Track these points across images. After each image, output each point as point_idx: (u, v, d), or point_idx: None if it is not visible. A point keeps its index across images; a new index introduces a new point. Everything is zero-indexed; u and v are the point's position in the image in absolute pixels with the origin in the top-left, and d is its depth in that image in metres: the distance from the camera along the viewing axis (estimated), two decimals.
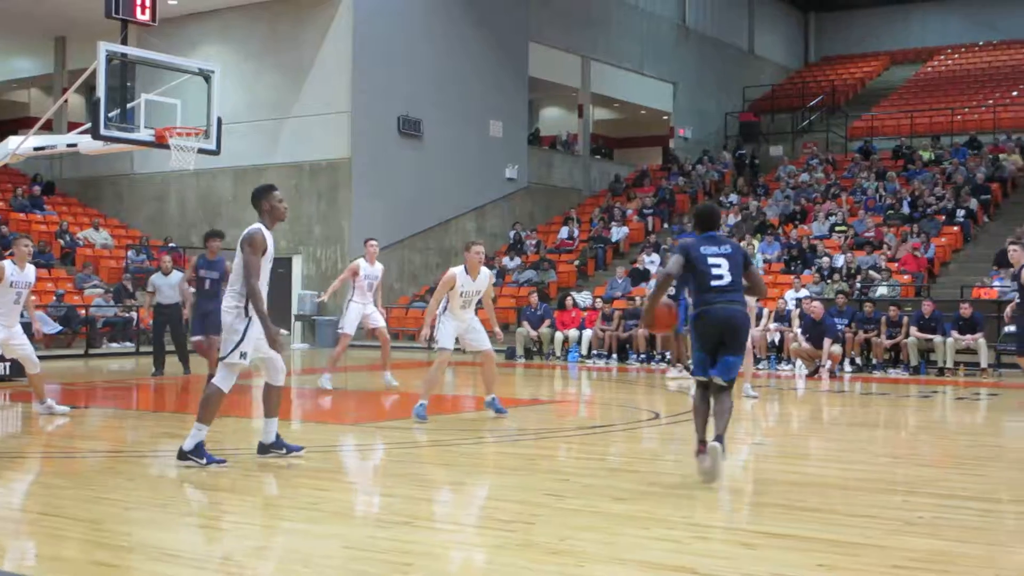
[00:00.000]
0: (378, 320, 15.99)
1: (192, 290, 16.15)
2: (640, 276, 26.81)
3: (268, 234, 9.18)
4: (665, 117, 41.06)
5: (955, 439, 11.83)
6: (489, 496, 8.00)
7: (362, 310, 15.86)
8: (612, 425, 12.34)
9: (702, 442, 8.15)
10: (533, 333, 24.07)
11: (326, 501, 7.50)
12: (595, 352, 23.49)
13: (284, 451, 9.06)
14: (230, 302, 8.76)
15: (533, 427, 12.03)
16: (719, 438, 8.03)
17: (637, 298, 24.16)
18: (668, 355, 21.15)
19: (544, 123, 40.82)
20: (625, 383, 18.60)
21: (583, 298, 25.80)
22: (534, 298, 24.76)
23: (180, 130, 16.77)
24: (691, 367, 8.62)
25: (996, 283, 22.59)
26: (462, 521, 6.90)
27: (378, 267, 15.93)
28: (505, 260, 30.15)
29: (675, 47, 40.27)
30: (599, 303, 24.73)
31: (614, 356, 23.14)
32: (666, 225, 31.87)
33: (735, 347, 8.25)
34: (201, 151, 17.21)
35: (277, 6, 29.22)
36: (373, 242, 16.16)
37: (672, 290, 10.23)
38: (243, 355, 8.65)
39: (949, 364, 19.87)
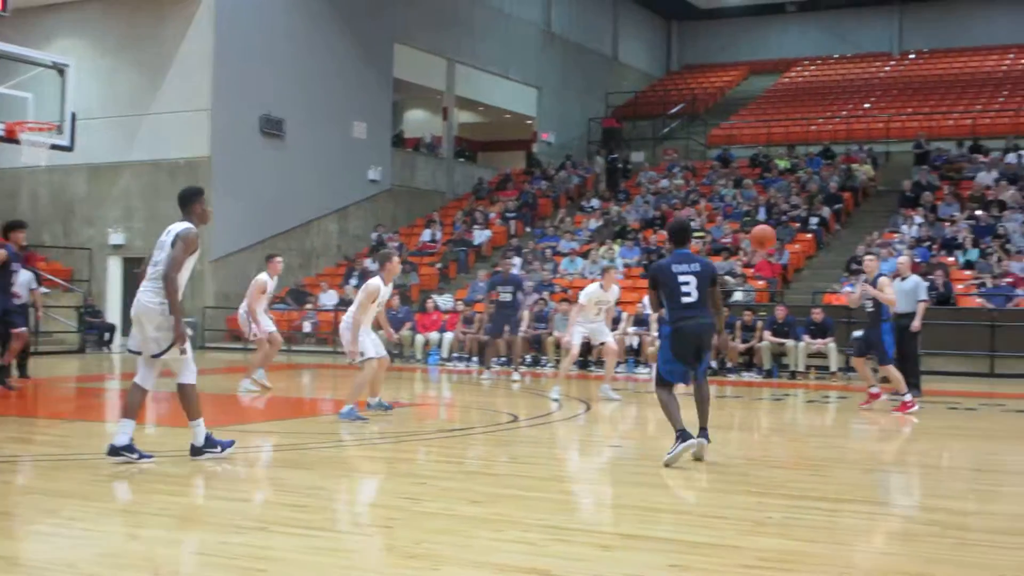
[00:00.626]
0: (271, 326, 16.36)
1: None
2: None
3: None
4: (529, 121, 41.30)
5: (806, 441, 12.12)
6: (346, 500, 7.93)
7: (262, 318, 16.03)
8: (471, 428, 12.35)
9: (681, 430, 9.14)
10: (394, 335, 23.94)
11: (179, 507, 7.36)
12: (456, 355, 23.51)
13: (219, 449, 9.13)
14: (155, 298, 8.77)
15: (392, 430, 11.97)
16: (704, 430, 9.33)
17: (495, 301, 24.21)
18: (527, 359, 21.29)
19: (408, 125, 40.73)
20: (485, 386, 18.65)
21: (444, 301, 25.80)
22: (395, 300, 24.63)
23: (32, 125, 16.34)
24: (660, 372, 9.47)
25: (847, 288, 23.21)
26: (318, 526, 6.83)
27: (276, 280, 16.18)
28: (367, 262, 29.96)
29: (540, 52, 40.54)
30: (460, 306, 24.75)
31: (475, 359, 23.18)
32: (528, 229, 32.07)
33: (706, 355, 9.45)
34: (54, 147, 16.79)
35: (136, 1, 28.60)
36: (279, 258, 16.67)
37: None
38: (183, 351, 8.78)
39: (801, 368, 20.42)
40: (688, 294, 9.10)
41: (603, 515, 7.40)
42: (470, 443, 11.32)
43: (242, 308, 16.15)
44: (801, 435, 12.62)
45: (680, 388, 9.63)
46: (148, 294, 8.79)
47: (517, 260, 27.80)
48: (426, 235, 31.81)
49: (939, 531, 6.89)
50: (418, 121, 41.50)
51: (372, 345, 12.33)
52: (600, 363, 21.23)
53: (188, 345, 8.87)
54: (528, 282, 23.38)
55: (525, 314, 21.28)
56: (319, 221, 31.17)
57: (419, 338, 23.86)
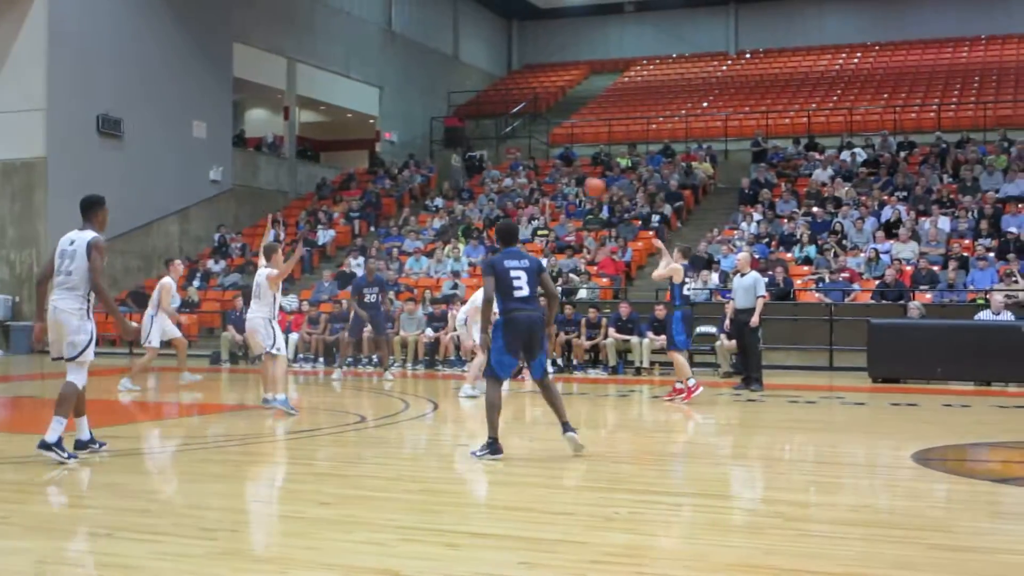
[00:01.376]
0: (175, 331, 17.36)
1: None
2: (347, 279, 26.79)
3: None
4: (371, 120, 41.18)
5: (651, 436, 12.38)
6: (192, 504, 7.85)
7: (163, 323, 16.82)
8: (318, 429, 12.31)
9: (493, 439, 9.48)
10: (238, 337, 23.68)
11: (18, 514, 7.20)
12: (301, 356, 23.35)
13: (98, 446, 9.58)
14: (72, 304, 9.13)
15: (239, 432, 11.87)
16: (567, 425, 9.68)
17: (343, 301, 24.12)
18: (376, 359, 21.25)
19: (250, 125, 40.24)
20: (331, 387, 18.58)
21: (289, 301, 25.56)
22: (239, 302, 24.35)
23: None
24: (492, 368, 9.65)
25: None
26: (164, 530, 6.76)
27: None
28: (210, 263, 29.56)
29: (381, 51, 40.44)
30: (306, 306, 24.58)
31: (321, 360, 23.07)
32: (373, 228, 32.00)
33: (539, 348, 9.61)
34: None
35: None
36: (179, 261, 17.89)
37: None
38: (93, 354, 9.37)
39: (645, 364, 20.82)
40: (520, 288, 9.48)
41: (451, 514, 7.47)
42: (318, 444, 11.29)
43: (149, 312, 16.53)
44: (646, 430, 12.90)
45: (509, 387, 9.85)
46: (66, 301, 9.15)
47: (362, 259, 27.74)
48: (270, 235, 31.39)
49: (781, 523, 7.10)
50: (259, 121, 41.03)
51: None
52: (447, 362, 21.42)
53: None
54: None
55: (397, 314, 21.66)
56: (160, 222, 30.62)
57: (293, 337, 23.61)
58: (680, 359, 15.34)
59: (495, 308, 9.57)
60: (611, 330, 21.05)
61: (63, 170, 27.36)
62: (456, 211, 31.03)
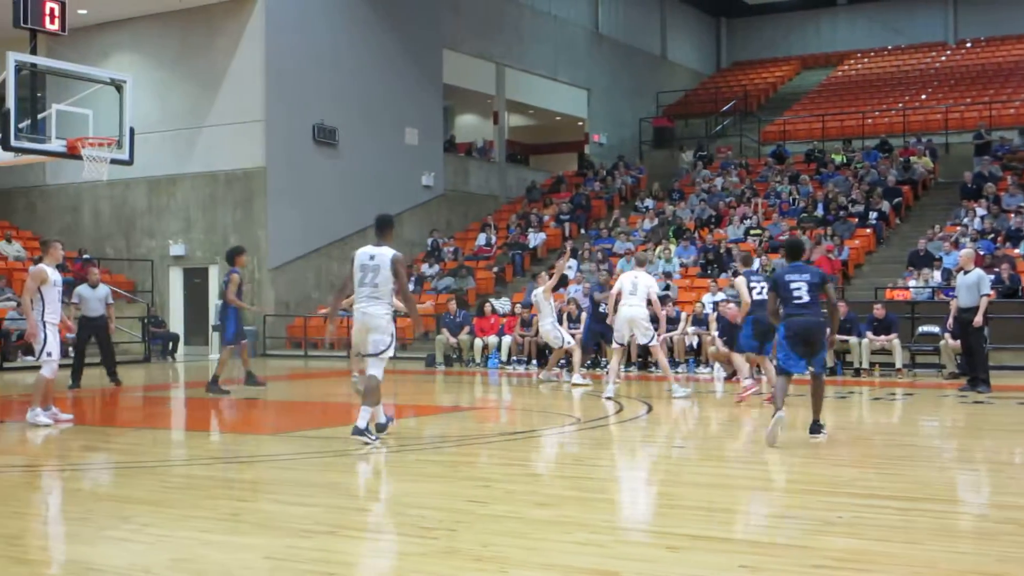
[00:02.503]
0: None
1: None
2: (558, 282, 26.86)
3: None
4: (580, 123, 41.26)
5: (872, 439, 12.00)
6: (411, 504, 7.96)
7: None
8: (533, 431, 12.35)
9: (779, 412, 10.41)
10: (452, 340, 24.06)
11: (247, 512, 7.43)
12: (515, 358, 23.52)
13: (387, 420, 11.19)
14: (380, 310, 10.57)
15: (454, 434, 12.01)
16: (816, 424, 10.82)
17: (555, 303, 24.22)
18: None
19: (460, 130, 40.81)
20: (545, 388, 18.64)
21: (502, 304, 25.81)
22: (453, 305, 24.75)
23: (92, 140, 16.53)
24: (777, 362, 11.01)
25: (911, 284, 23.02)
26: (385, 529, 6.87)
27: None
28: (423, 267, 30.09)
29: (588, 53, 40.51)
30: (518, 309, 24.76)
31: (534, 362, 23.19)
32: (583, 231, 32.02)
33: (819, 347, 10.68)
34: (114, 161, 16.97)
35: (189, 15, 28.90)
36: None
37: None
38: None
39: (865, 365, 20.14)
40: (800, 297, 10.67)
41: (670, 516, 7.38)
42: (533, 446, 11.33)
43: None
44: (867, 433, 12.49)
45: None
46: (374, 307, 10.51)
47: (573, 262, 27.80)
48: (481, 239, 31.85)
49: (1015, 529, 6.80)
50: (469, 126, 41.58)
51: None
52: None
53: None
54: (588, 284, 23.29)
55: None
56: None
57: (477, 342, 23.88)
58: (738, 359, 15.55)
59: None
60: (828, 331, 20.47)
61: (281, 179, 28.28)
62: (667, 212, 30.81)
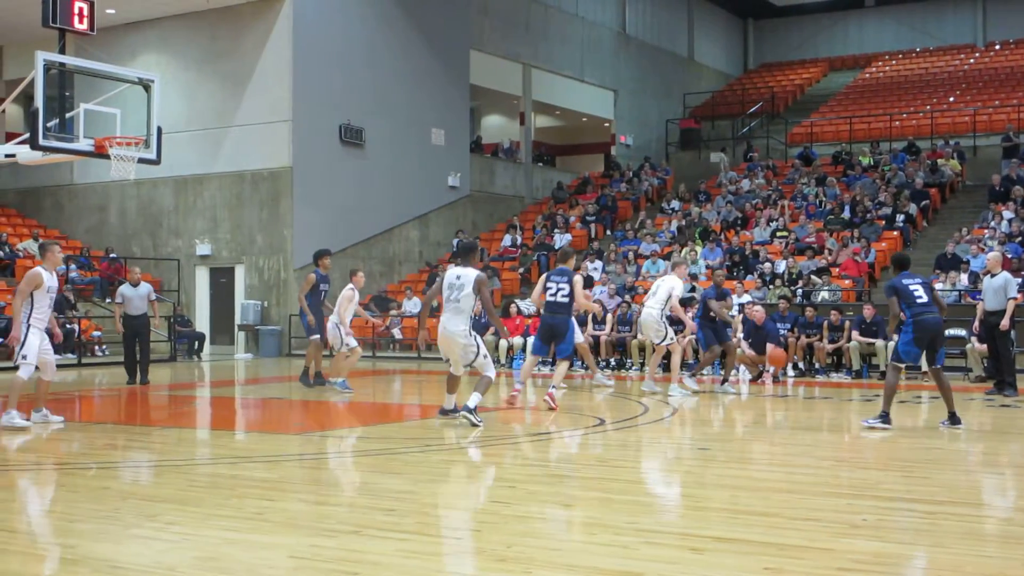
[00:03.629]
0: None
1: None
2: (584, 283, 26.84)
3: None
4: (606, 124, 41.24)
5: (897, 442, 11.92)
6: (435, 504, 7.98)
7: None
8: (558, 432, 12.35)
9: (884, 413, 12.13)
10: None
11: (272, 511, 7.45)
12: (540, 360, 23.47)
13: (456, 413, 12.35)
14: (460, 327, 12.09)
15: (478, 434, 12.01)
16: (953, 415, 12.25)
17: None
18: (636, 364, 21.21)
19: (486, 131, 40.85)
20: (570, 389, 18.61)
21: (527, 305, 25.79)
22: (478, 306, 24.69)
23: (120, 140, 16.61)
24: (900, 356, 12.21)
25: (938, 287, 22.89)
26: (409, 529, 6.88)
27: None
28: (449, 268, 30.10)
29: (615, 54, 40.48)
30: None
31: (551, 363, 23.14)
32: (609, 232, 32.01)
33: (941, 343, 12.29)
34: (141, 161, 17.06)
35: (216, 15, 29.02)
36: (361, 272, 17.63)
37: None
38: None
39: None
40: (921, 297, 12.09)
41: (694, 518, 7.36)
42: (557, 447, 11.33)
43: (333, 319, 16.73)
44: (892, 436, 12.43)
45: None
46: (453, 322, 12.07)
47: (599, 263, 27.79)
48: (507, 240, 31.87)
49: None
50: (495, 126, 41.61)
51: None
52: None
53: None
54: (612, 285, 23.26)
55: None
56: (400, 228, 31.38)
57: (502, 343, 23.85)
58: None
59: (904, 313, 12.08)
60: (854, 333, 20.39)
61: (308, 179, 28.36)
62: (693, 213, 30.75)
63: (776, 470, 9.58)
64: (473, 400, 11.85)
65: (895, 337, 12.63)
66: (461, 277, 12.08)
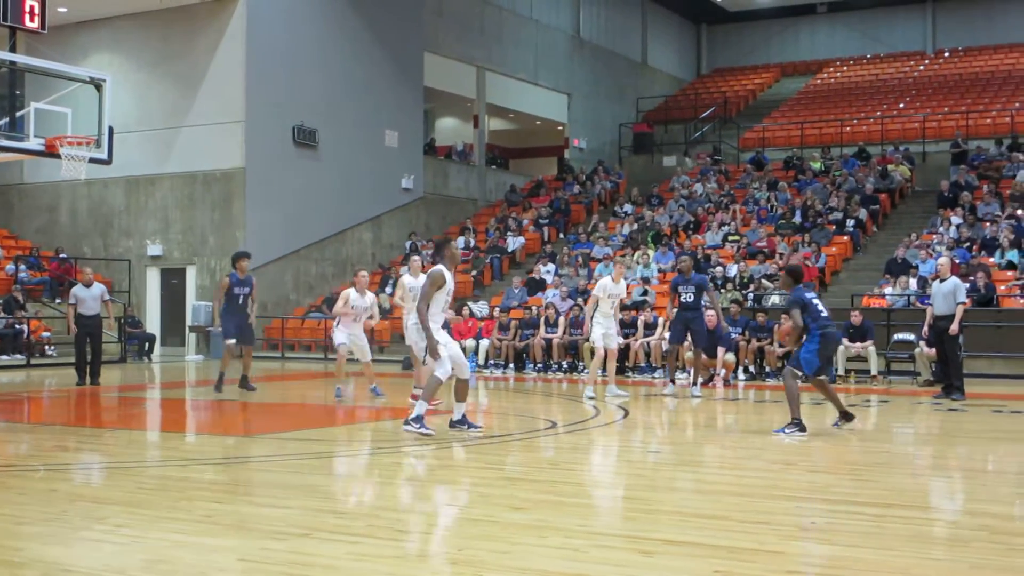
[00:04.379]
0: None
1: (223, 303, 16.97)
2: (536, 286, 26.93)
3: None
4: (560, 127, 41.32)
5: (847, 445, 12.02)
6: (386, 507, 7.96)
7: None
8: (509, 435, 12.36)
9: (797, 419, 12.11)
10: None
11: (221, 514, 7.41)
12: (492, 362, 23.52)
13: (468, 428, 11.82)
14: (410, 321, 12.48)
15: (431, 438, 11.98)
16: (844, 413, 12.64)
17: (533, 307, 24.24)
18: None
19: (440, 133, 40.82)
20: (522, 393, 18.65)
21: (480, 308, 25.83)
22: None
23: (71, 139, 16.46)
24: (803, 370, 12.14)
25: (887, 292, 23.12)
26: (360, 532, 6.86)
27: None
28: (402, 270, 30.01)
29: (569, 58, 40.57)
30: (496, 312, 24.77)
31: (511, 366, 23.20)
32: (562, 235, 32.07)
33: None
34: (92, 161, 16.92)
35: (169, 15, 28.83)
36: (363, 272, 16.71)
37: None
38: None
39: (840, 371, 20.22)
40: (823, 311, 12.26)
41: (644, 521, 7.38)
42: (509, 450, 11.33)
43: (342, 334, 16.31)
44: (842, 439, 12.53)
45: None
46: (410, 318, 12.46)
47: (551, 266, 27.84)
48: (460, 242, 31.84)
49: (987, 536, 6.82)
50: (449, 129, 41.60)
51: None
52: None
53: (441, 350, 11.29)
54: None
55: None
56: (353, 230, 31.29)
57: (468, 342, 23.83)
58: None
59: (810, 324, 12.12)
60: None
61: (261, 180, 28.23)
62: (645, 217, 30.87)
63: (726, 473, 9.63)
64: (418, 409, 11.32)
65: (793, 349, 12.58)
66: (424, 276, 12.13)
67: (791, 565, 6.00)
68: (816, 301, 12.33)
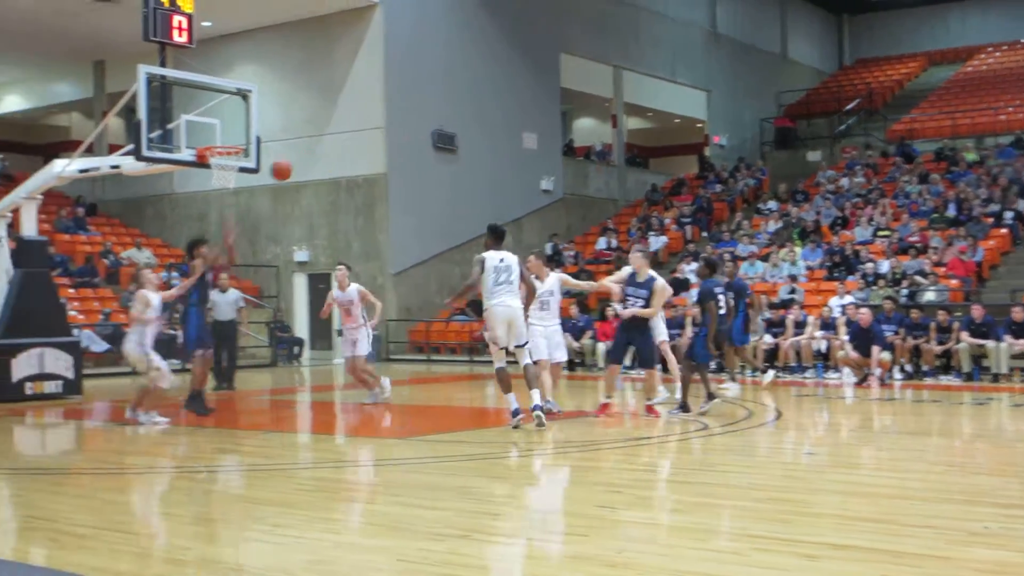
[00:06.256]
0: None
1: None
2: (680, 285, 26.58)
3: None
4: (699, 125, 40.91)
5: (1013, 447, 11.59)
6: (541, 508, 7.90)
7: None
8: (661, 436, 12.20)
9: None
10: (575, 344, 23.92)
11: (377, 515, 7.46)
12: (637, 362, 23.31)
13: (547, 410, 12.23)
14: (519, 303, 12.17)
15: (579, 439, 11.92)
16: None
17: (678, 307, 23.97)
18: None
19: (578, 134, 40.75)
20: (670, 393, 18.43)
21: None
22: (575, 309, 24.63)
23: (220, 149, 16.77)
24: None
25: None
26: (516, 534, 6.82)
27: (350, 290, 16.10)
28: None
29: (707, 54, 40.13)
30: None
31: (659, 366, 22.94)
32: (705, 234, 31.69)
33: None
34: (241, 170, 17.22)
35: (309, 25, 29.29)
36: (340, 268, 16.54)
37: None
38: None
39: (1004, 370, 19.38)
40: (723, 307, 13.38)
41: (805, 524, 7.19)
42: (661, 451, 11.19)
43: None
44: (1008, 441, 12.10)
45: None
46: (516, 301, 12.03)
47: (695, 265, 27.53)
48: (601, 243, 31.72)
49: None
50: (587, 129, 41.49)
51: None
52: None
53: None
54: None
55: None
56: None
57: (600, 346, 23.70)
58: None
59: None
60: (963, 334, 19.82)
61: (402, 185, 28.51)
62: (791, 213, 30.34)
63: (887, 475, 9.36)
64: (536, 397, 11.89)
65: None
66: (505, 259, 12.13)
67: (961, 571, 5.80)
68: (721, 294, 13.41)
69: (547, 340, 13.37)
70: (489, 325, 12.02)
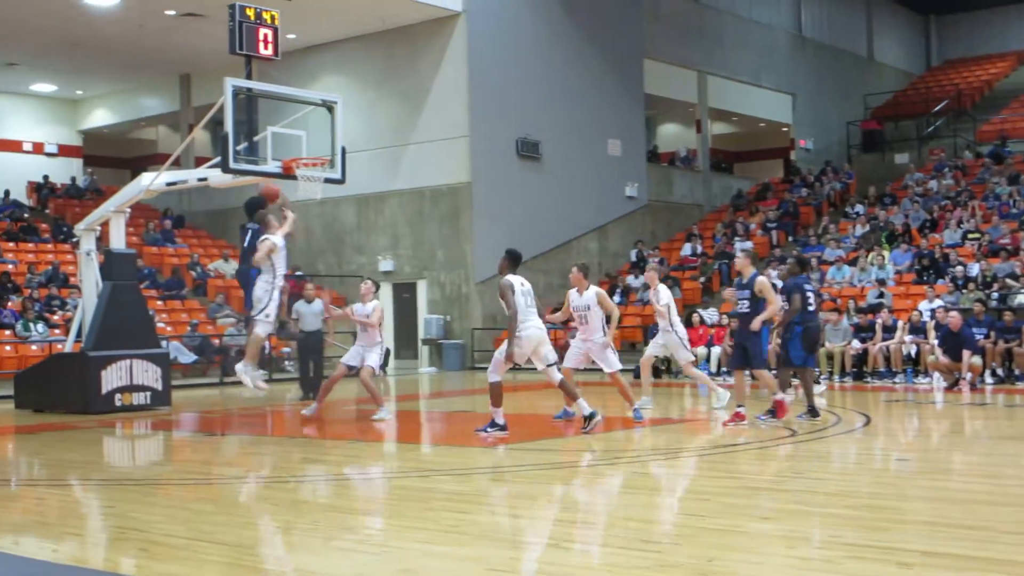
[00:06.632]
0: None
1: None
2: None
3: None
4: (785, 129, 40.52)
5: None
6: (630, 516, 7.87)
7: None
8: (748, 444, 12.10)
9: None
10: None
11: (467, 523, 7.47)
12: (725, 369, 23.15)
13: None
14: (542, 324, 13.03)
15: (666, 446, 11.86)
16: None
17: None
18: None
19: (662, 139, 40.57)
20: (756, 400, 18.27)
21: (710, 315, 25.45)
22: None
23: (306, 161, 16.92)
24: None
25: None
26: (604, 542, 6.80)
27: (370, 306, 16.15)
28: (629, 279, 29.96)
29: (792, 57, 39.77)
30: (726, 319, 24.37)
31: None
32: (791, 238, 31.39)
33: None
34: (327, 180, 17.37)
35: (392, 35, 29.49)
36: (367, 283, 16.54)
37: None
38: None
39: None
40: (812, 304, 13.26)
41: (898, 532, 7.09)
42: (749, 459, 11.10)
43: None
44: None
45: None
46: (541, 323, 12.79)
47: (782, 269, 27.26)
48: (687, 249, 31.56)
49: None
50: (671, 135, 41.27)
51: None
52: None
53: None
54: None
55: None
56: (579, 240, 31.35)
57: (700, 349, 23.53)
58: (767, 376, 13.81)
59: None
60: None
61: (486, 193, 28.57)
62: (879, 217, 29.95)
63: (981, 481, 9.20)
64: (585, 408, 12.43)
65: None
66: (524, 283, 12.88)
67: None
68: (811, 292, 13.34)
69: (587, 354, 14.09)
70: (522, 345, 12.41)
